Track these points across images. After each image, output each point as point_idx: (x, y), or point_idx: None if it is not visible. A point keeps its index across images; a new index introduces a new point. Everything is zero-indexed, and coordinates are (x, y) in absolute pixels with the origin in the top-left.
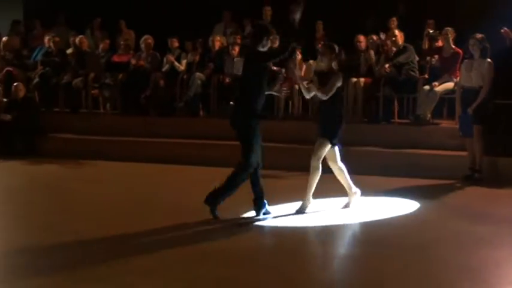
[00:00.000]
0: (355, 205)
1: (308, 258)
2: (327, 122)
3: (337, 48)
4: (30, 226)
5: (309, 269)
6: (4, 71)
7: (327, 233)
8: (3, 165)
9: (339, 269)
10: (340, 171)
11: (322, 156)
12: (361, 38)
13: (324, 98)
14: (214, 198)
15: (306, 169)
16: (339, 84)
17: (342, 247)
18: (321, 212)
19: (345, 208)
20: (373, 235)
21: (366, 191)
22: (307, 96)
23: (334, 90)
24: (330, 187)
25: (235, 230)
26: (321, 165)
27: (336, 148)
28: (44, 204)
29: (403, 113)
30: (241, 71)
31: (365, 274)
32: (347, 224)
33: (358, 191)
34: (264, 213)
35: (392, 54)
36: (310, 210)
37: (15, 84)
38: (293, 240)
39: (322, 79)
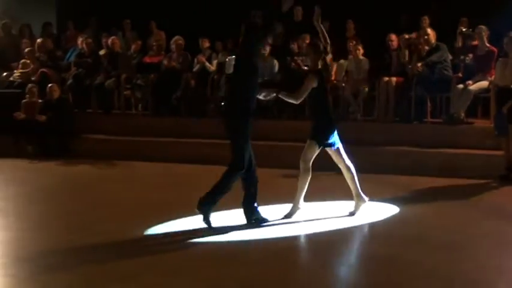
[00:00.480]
0: (361, 213)
1: (337, 258)
2: (315, 124)
3: (322, 47)
4: (62, 226)
5: (336, 269)
6: (39, 72)
7: (352, 233)
8: (38, 165)
9: (366, 269)
10: (348, 171)
11: (311, 159)
12: (393, 37)
13: (296, 102)
14: (206, 205)
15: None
16: (314, 85)
17: (371, 246)
18: (341, 213)
19: (350, 216)
20: (404, 234)
21: (398, 190)
22: (296, 102)
23: (306, 93)
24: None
25: (259, 231)
26: (310, 168)
27: (340, 147)
28: (77, 204)
29: (436, 113)
30: (233, 70)
31: (395, 274)
32: (374, 222)
33: (366, 199)
34: (259, 221)
35: (424, 53)
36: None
37: (49, 85)
38: (320, 239)
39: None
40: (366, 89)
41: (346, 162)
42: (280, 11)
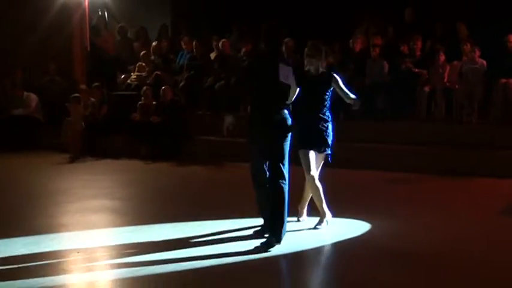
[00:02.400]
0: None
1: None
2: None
3: (324, 49)
4: (174, 226)
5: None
6: (153, 74)
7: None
8: (151, 166)
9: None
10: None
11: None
12: None
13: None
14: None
15: (450, 172)
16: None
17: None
18: None
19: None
20: None
21: None
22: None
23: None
24: None
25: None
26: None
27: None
28: (189, 205)
29: None
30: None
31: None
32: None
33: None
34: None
35: None
36: None
37: (163, 88)
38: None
39: (312, 85)
40: (481, 91)
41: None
42: None
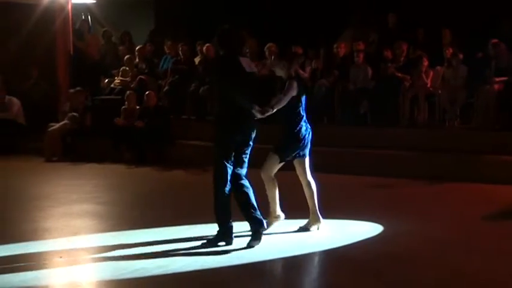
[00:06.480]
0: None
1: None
2: (281, 135)
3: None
4: (158, 232)
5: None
6: (137, 79)
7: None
8: (135, 171)
9: None
10: (309, 187)
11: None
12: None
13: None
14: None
15: (433, 177)
16: (294, 93)
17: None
18: None
19: (300, 230)
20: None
21: (502, 201)
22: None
23: (283, 102)
24: None
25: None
26: (274, 178)
27: (306, 160)
28: (172, 210)
29: None
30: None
31: None
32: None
33: (321, 219)
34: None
35: None
36: None
37: (147, 93)
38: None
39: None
40: (464, 96)
41: (308, 177)
42: None
